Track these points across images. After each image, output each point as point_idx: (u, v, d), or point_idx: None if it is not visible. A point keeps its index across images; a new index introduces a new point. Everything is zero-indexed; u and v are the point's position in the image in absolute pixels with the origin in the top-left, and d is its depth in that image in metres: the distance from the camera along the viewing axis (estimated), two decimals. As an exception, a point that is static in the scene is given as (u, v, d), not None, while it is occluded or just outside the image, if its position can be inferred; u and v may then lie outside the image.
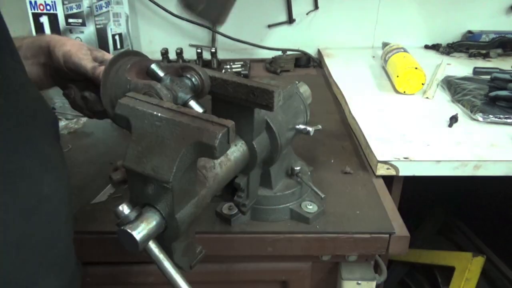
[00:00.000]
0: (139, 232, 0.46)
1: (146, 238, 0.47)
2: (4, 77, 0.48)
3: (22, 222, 0.47)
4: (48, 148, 0.53)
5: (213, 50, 1.47)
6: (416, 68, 1.17)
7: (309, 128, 0.73)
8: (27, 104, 0.52)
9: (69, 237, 0.56)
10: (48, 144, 0.54)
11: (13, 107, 0.48)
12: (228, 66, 1.46)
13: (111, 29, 1.39)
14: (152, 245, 0.48)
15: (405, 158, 0.87)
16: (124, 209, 0.47)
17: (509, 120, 1.00)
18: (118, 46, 1.43)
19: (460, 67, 1.40)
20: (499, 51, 1.50)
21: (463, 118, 1.04)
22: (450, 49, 1.55)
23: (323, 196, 0.73)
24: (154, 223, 0.48)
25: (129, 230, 0.46)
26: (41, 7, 1.30)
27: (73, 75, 0.70)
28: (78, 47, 0.70)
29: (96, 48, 0.75)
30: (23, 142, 0.49)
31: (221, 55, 1.55)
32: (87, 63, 0.68)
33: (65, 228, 0.54)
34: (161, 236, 0.50)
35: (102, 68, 0.67)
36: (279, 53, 1.54)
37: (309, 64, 1.57)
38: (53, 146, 0.55)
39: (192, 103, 0.59)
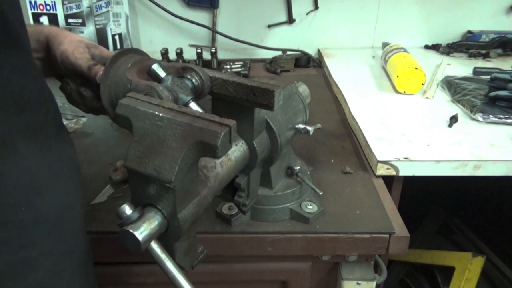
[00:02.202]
0: (141, 232, 0.46)
1: (148, 238, 0.47)
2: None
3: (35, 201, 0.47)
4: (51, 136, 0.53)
5: (213, 50, 1.47)
6: (416, 68, 1.17)
7: (309, 128, 0.73)
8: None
9: (82, 222, 0.56)
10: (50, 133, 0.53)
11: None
12: (228, 66, 1.46)
13: (111, 29, 1.39)
14: (154, 245, 0.48)
15: (405, 158, 0.87)
16: (126, 209, 0.47)
17: (509, 120, 1.01)
18: (118, 46, 1.43)
19: (460, 67, 1.40)
20: (499, 51, 1.50)
21: (463, 118, 1.05)
22: (450, 49, 1.55)
23: (320, 193, 0.73)
24: (156, 223, 0.48)
25: (131, 231, 0.46)
26: (41, 7, 1.31)
27: (70, 74, 0.70)
28: (75, 45, 0.69)
29: (95, 44, 0.74)
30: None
31: (221, 55, 1.55)
32: (83, 63, 0.68)
33: (77, 211, 0.55)
34: (163, 236, 0.50)
35: (98, 67, 0.67)
36: (279, 53, 1.54)
37: (309, 64, 1.57)
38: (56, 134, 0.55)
39: (193, 105, 0.59)
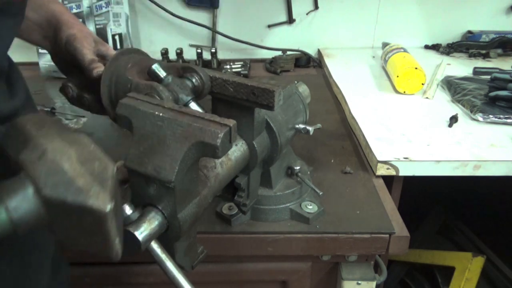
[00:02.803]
0: (141, 232, 0.46)
1: (149, 238, 0.47)
2: None
3: None
4: None
5: (213, 50, 1.47)
6: (416, 68, 1.17)
7: (309, 128, 0.73)
8: None
9: None
10: None
11: None
12: (228, 66, 1.46)
13: (111, 29, 1.39)
14: (154, 245, 0.48)
15: (405, 158, 0.87)
16: (126, 209, 0.47)
17: (509, 120, 1.01)
18: (118, 46, 1.43)
19: (460, 67, 1.40)
20: (499, 51, 1.50)
21: (463, 118, 1.05)
22: (450, 49, 1.55)
23: (320, 193, 0.73)
24: (156, 223, 0.48)
25: (131, 231, 0.46)
26: (41, 7, 1.30)
27: (70, 59, 0.68)
28: (84, 33, 0.68)
29: (102, 41, 0.73)
30: None
31: (221, 55, 1.55)
32: (88, 53, 0.66)
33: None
34: (163, 236, 0.50)
35: (100, 65, 0.66)
36: (279, 53, 1.54)
37: (309, 64, 1.57)
38: None
39: (193, 105, 0.59)
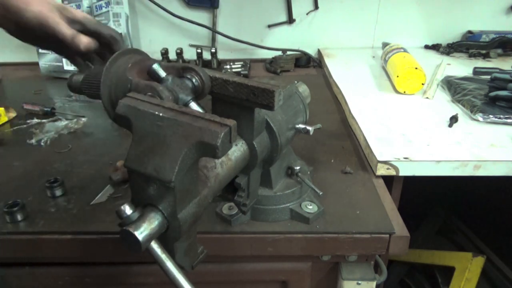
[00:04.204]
0: (141, 232, 0.46)
1: (149, 239, 0.47)
2: None
3: None
4: None
5: (213, 50, 1.47)
6: (416, 68, 1.17)
7: (309, 128, 0.73)
8: None
9: None
10: None
11: None
12: (228, 66, 1.46)
13: (111, 29, 1.39)
14: (154, 245, 0.48)
15: (405, 158, 0.87)
16: (126, 209, 0.47)
17: (509, 120, 1.01)
18: (118, 46, 1.42)
19: (460, 67, 1.40)
20: (499, 51, 1.50)
21: (463, 118, 1.05)
22: (450, 49, 1.55)
23: (320, 193, 0.73)
24: (156, 223, 0.48)
25: (131, 231, 0.45)
26: (41, 7, 1.30)
27: (43, 36, 0.67)
28: (48, 8, 0.66)
29: (63, 6, 0.70)
30: None
31: (221, 55, 1.55)
32: (65, 29, 0.65)
33: None
34: (163, 236, 0.50)
35: (82, 37, 0.66)
36: (279, 53, 1.54)
37: (309, 64, 1.57)
38: None
39: (193, 105, 0.59)
